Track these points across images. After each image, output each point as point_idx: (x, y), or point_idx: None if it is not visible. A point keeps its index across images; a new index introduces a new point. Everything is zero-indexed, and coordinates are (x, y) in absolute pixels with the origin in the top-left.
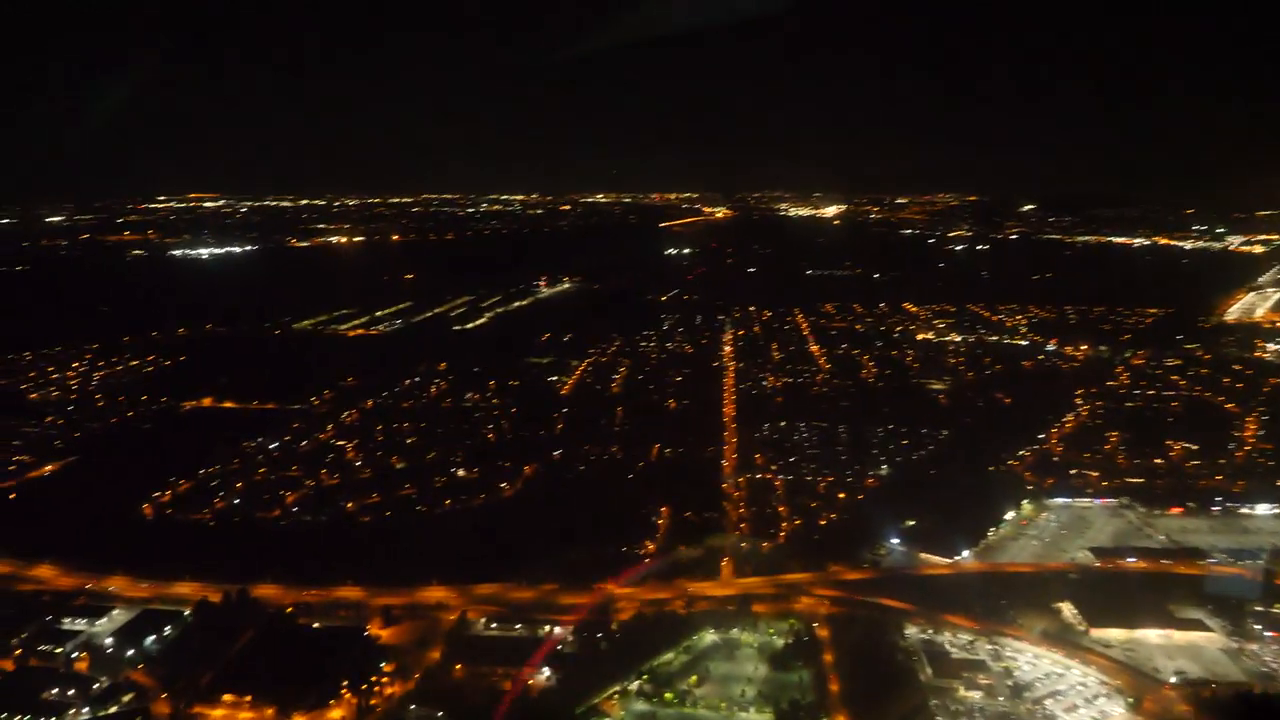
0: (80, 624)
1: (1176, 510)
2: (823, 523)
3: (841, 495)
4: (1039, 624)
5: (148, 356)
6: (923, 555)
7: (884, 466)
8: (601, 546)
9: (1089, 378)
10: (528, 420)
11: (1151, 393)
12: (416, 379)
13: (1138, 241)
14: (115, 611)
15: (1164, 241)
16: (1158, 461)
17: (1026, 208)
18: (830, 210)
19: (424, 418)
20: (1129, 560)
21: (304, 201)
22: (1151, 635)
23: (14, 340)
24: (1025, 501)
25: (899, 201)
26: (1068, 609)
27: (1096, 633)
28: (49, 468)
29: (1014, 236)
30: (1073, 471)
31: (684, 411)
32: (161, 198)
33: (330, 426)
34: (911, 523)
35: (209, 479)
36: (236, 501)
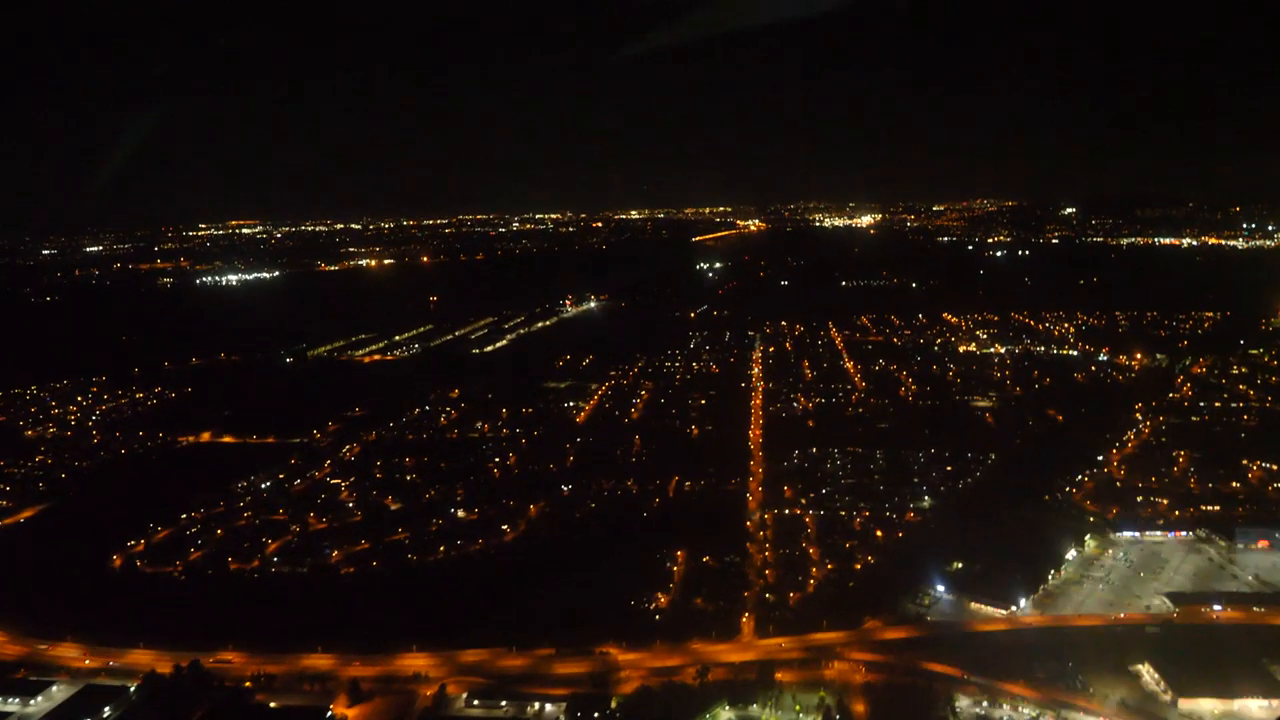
0: (13, 704)
1: (1263, 544)
2: (858, 567)
3: (879, 533)
4: (1115, 692)
5: (154, 388)
6: (973, 606)
7: (926, 498)
8: (606, 600)
9: (1148, 390)
10: (538, 452)
11: (1218, 405)
12: (425, 408)
13: (1186, 242)
14: (55, 687)
15: (1213, 241)
16: (1234, 485)
17: (1067, 211)
18: (866, 219)
19: (428, 451)
20: (1215, 608)
21: (339, 226)
22: (1252, 706)
23: (26, 374)
24: (1088, 537)
25: (935, 209)
26: (1148, 672)
27: (1186, 704)
28: (26, 513)
29: (1055, 240)
30: (1139, 499)
31: (707, 438)
32: (202, 225)
33: (328, 463)
34: (959, 565)
35: (189, 524)
36: (213, 551)
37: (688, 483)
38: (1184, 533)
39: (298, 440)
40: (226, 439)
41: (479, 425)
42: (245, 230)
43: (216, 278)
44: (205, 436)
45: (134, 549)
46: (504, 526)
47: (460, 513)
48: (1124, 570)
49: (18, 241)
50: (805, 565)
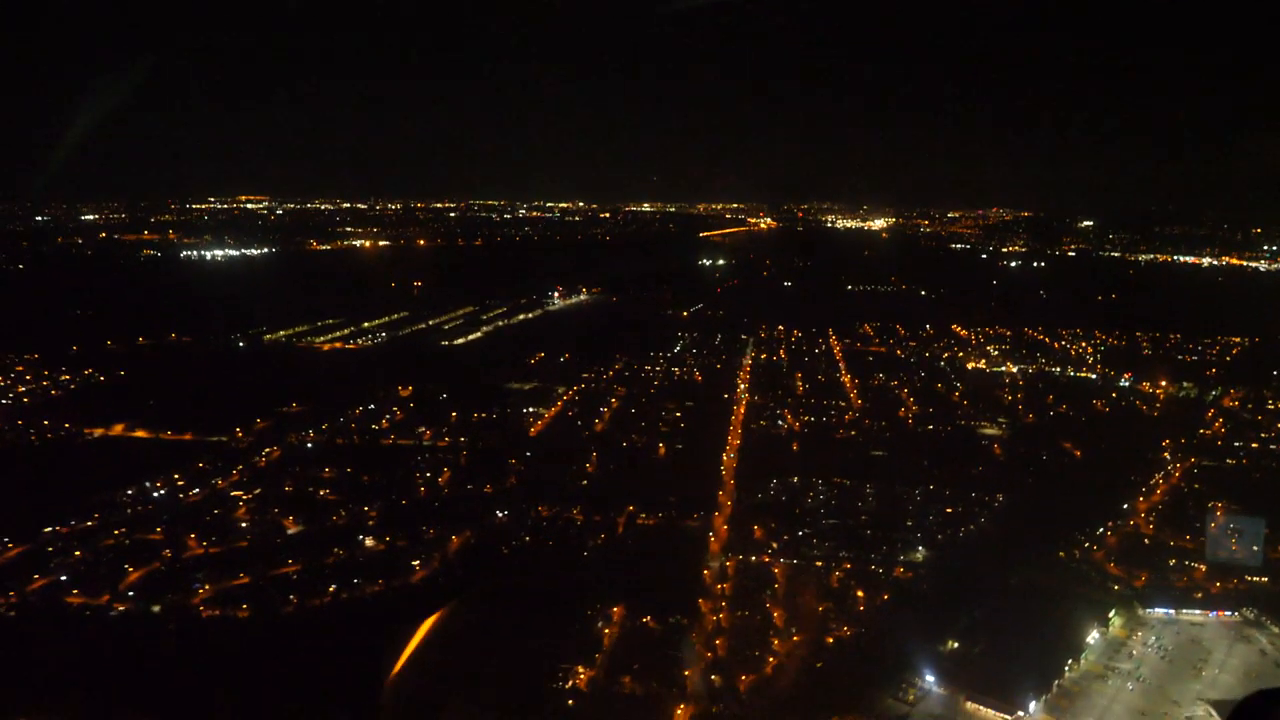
0: None
1: None
2: (830, 640)
3: (860, 593)
4: None
5: (84, 370)
6: (969, 706)
7: (919, 548)
8: (513, 675)
9: (1176, 424)
10: (479, 467)
11: (1255, 446)
12: (370, 406)
13: (1206, 261)
14: None
15: (1234, 261)
16: None
17: (1085, 224)
18: (878, 223)
19: (355, 460)
20: None
21: (345, 205)
22: None
23: None
24: (1113, 613)
25: (950, 215)
26: None
27: None
28: None
29: (1072, 254)
30: (1171, 562)
31: (675, 459)
32: (210, 198)
33: (239, 468)
34: (954, 645)
35: (52, 540)
36: (62, 579)
37: (643, 515)
38: (1227, 612)
39: (216, 438)
40: (140, 433)
41: (420, 430)
42: (249, 206)
43: (202, 252)
44: (117, 429)
45: None
46: (414, 563)
47: (369, 540)
48: (1157, 662)
49: (15, 206)
50: (765, 635)
